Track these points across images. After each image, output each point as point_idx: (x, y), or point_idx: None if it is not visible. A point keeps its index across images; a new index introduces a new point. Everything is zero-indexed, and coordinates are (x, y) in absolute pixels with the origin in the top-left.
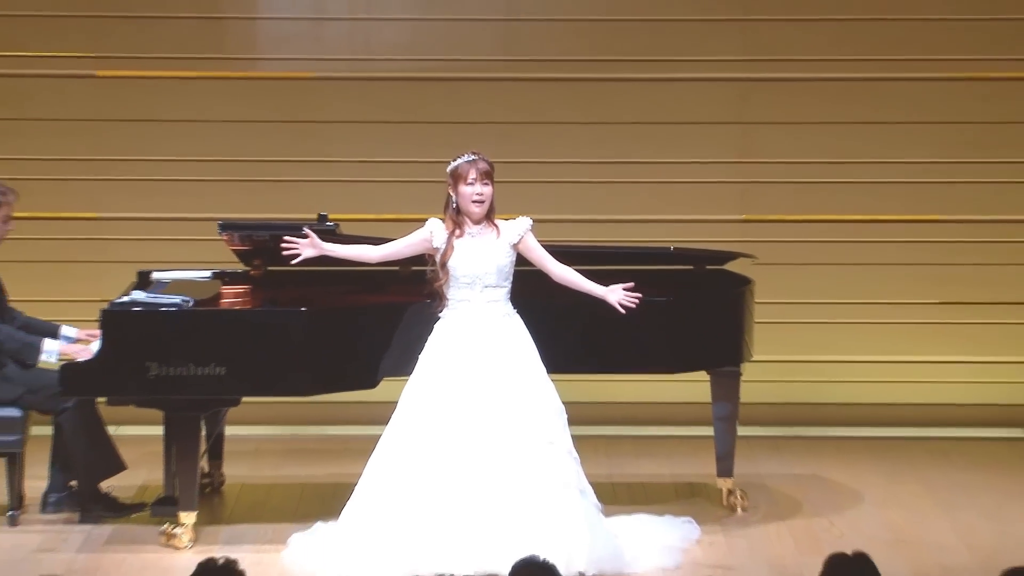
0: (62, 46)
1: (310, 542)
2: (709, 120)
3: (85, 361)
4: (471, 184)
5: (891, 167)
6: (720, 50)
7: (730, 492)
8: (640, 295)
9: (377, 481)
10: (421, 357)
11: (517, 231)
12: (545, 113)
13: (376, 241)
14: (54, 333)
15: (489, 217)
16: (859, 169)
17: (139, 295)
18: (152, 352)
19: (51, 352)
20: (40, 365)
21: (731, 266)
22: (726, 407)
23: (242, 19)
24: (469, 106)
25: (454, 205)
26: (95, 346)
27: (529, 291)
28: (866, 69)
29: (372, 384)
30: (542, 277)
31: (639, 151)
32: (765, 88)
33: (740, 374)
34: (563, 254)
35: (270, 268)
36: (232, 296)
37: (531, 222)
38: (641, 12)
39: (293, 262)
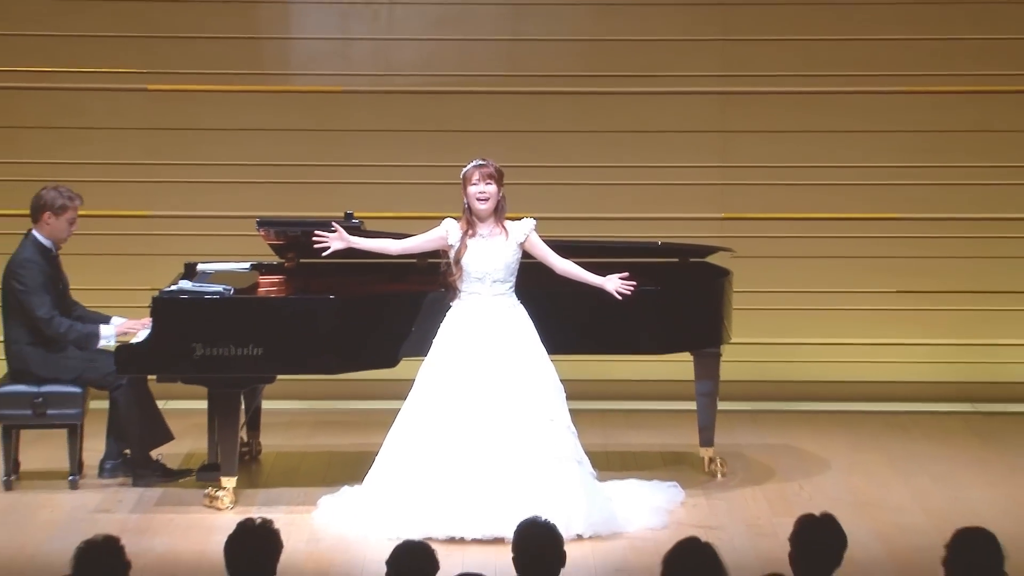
0: (117, 63)
1: (337, 504)
2: (692, 129)
3: (138, 343)
4: (475, 184)
5: (854, 170)
6: (701, 67)
7: (711, 460)
8: (635, 283)
9: (396, 450)
10: (435, 341)
11: (523, 231)
12: (546, 123)
13: (397, 236)
14: (105, 322)
15: (498, 219)
16: (826, 172)
17: (186, 284)
18: (197, 335)
19: (108, 337)
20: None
21: (712, 259)
22: (708, 384)
23: (277, 39)
24: (478, 117)
25: (467, 206)
26: (142, 334)
27: (533, 282)
28: (831, 84)
29: (392, 363)
30: (544, 270)
31: (630, 156)
32: (742, 100)
33: (720, 355)
34: (563, 248)
35: (302, 260)
36: (268, 285)
37: (535, 222)
38: (631, 33)
39: (324, 254)
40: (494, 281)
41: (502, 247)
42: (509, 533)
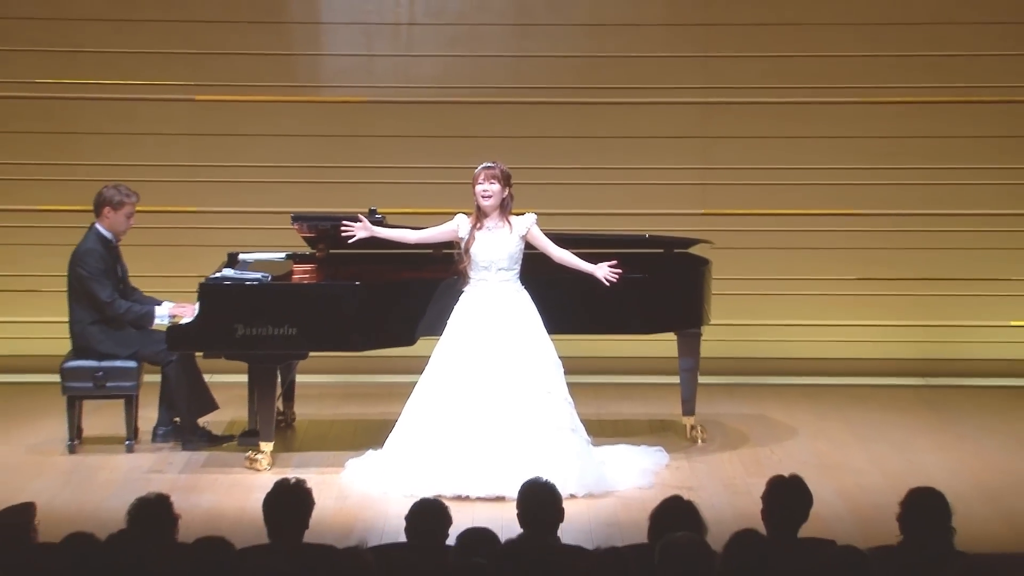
0: (168, 76)
1: (362, 465)
2: (676, 135)
3: (186, 323)
4: (481, 184)
5: (820, 171)
6: (685, 80)
7: (692, 427)
8: (621, 271)
9: (413, 418)
10: (448, 322)
11: (525, 224)
12: (547, 130)
13: (414, 229)
14: (157, 305)
15: (503, 214)
16: (795, 173)
17: (229, 272)
18: (239, 316)
19: (162, 317)
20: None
21: (693, 249)
22: (690, 360)
23: (309, 55)
24: (487, 124)
25: (476, 203)
26: (187, 318)
27: (540, 271)
28: (800, 95)
29: (411, 342)
30: (548, 260)
31: (621, 159)
32: (720, 110)
33: (701, 335)
34: (562, 240)
35: (331, 251)
36: (301, 273)
37: (535, 217)
38: (623, 51)
39: (349, 242)
40: (499, 269)
41: (506, 239)
42: (510, 492)
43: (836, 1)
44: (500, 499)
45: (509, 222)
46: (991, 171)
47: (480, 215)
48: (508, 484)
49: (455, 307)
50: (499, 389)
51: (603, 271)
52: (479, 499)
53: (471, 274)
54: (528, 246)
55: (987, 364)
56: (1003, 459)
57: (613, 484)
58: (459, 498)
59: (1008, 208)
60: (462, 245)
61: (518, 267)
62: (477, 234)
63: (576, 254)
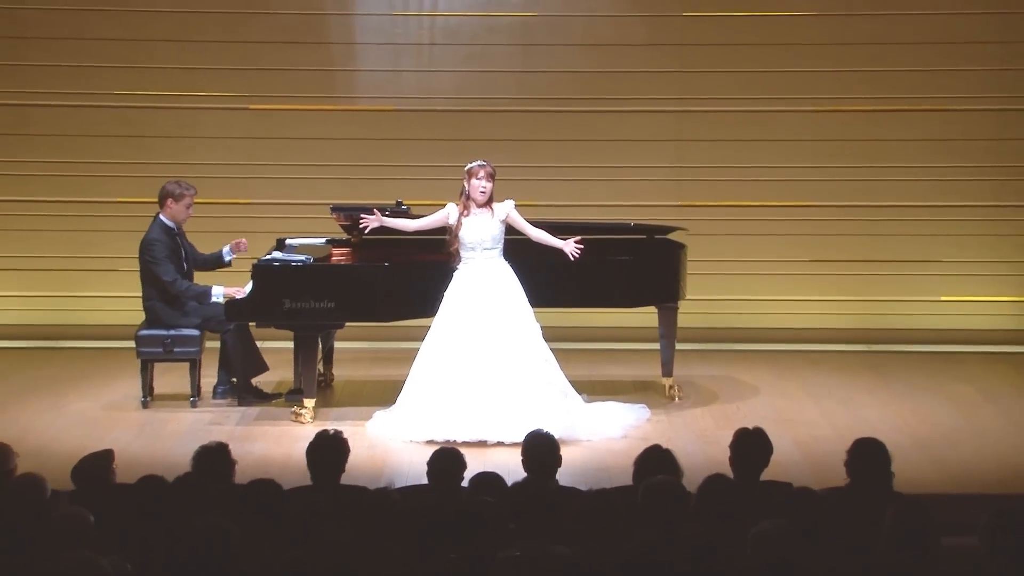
0: (226, 88)
1: (386, 417)
2: (656, 139)
3: (241, 298)
4: (480, 180)
5: (777, 169)
6: (663, 91)
7: (670, 387)
8: (583, 246)
9: (415, 377)
10: (444, 296)
11: (505, 210)
12: (547, 134)
13: (414, 218)
14: (219, 259)
15: (488, 203)
16: (756, 171)
17: (277, 254)
18: (286, 292)
19: (218, 295)
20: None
21: (671, 236)
22: (668, 330)
23: (347, 71)
24: (495, 129)
25: (466, 193)
26: (246, 290)
27: (548, 259)
28: (760, 104)
29: (431, 314)
30: (548, 249)
31: (610, 159)
32: (693, 117)
33: (677, 308)
34: (558, 228)
35: (365, 237)
36: (339, 255)
37: (514, 202)
38: (611, 67)
39: (367, 231)
40: (484, 248)
41: (489, 222)
42: (491, 437)
43: (791, 25)
44: (482, 443)
45: (492, 208)
46: (922, 169)
47: (468, 203)
48: (491, 431)
49: (450, 283)
50: (487, 350)
51: (569, 246)
52: (464, 443)
53: (461, 253)
54: (509, 228)
55: (920, 333)
56: (933, 413)
57: (583, 434)
58: (448, 443)
59: (938, 200)
60: (453, 229)
61: (500, 246)
62: (464, 220)
63: (576, 240)
